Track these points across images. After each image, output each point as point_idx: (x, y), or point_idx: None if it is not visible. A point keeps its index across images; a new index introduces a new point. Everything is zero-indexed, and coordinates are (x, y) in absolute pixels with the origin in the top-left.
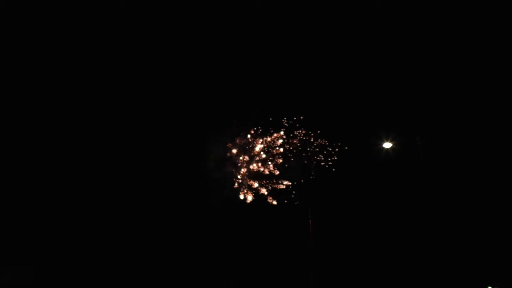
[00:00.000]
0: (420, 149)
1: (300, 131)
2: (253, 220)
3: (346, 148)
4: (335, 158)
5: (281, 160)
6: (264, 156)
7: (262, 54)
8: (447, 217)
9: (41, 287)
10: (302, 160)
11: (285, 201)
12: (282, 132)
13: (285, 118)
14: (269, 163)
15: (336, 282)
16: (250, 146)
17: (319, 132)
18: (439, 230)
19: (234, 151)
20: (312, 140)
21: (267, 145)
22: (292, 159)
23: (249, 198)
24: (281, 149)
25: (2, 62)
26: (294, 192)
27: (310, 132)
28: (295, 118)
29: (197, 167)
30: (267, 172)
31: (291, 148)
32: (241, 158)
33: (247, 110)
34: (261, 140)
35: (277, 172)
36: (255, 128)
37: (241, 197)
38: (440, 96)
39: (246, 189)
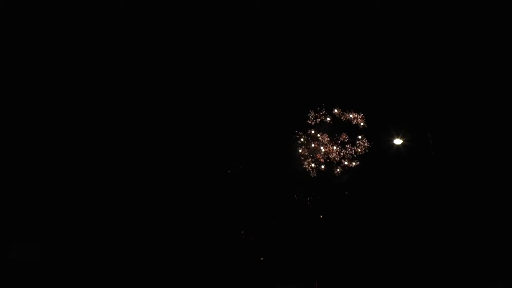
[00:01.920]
0: (431, 146)
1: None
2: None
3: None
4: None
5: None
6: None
7: (262, 54)
8: (457, 214)
9: (48, 263)
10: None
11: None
12: None
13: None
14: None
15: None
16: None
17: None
18: (448, 228)
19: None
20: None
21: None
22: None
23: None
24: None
25: (2, 62)
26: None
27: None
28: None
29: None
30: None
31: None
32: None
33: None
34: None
35: None
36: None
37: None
38: (451, 92)
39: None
